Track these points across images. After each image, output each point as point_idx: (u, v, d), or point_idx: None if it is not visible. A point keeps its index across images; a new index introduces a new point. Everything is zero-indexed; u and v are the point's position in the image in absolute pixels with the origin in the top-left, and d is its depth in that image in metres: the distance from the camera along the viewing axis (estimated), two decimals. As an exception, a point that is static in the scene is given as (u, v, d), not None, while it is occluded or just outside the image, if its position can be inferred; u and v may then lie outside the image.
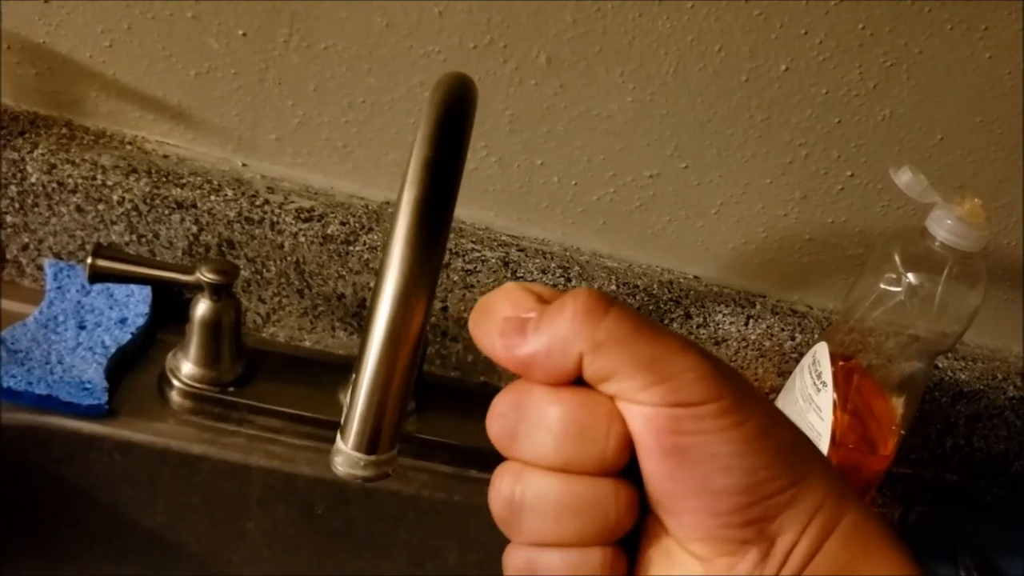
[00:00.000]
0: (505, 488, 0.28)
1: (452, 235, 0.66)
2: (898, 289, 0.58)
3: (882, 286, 0.59)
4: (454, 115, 0.34)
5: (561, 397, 0.27)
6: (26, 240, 0.64)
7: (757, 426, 0.26)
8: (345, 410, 0.30)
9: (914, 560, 0.28)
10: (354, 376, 0.30)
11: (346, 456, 0.30)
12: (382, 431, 0.30)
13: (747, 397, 0.27)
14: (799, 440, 0.28)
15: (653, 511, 0.28)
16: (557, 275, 0.66)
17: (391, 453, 0.31)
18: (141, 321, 0.64)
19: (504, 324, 0.28)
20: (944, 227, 0.57)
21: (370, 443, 0.30)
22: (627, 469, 0.27)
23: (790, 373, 0.65)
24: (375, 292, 0.30)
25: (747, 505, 0.26)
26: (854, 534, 0.28)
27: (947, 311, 0.58)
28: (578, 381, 0.27)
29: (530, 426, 0.27)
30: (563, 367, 0.27)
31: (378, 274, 0.30)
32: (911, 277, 0.58)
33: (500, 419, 0.28)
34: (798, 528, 0.27)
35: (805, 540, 0.27)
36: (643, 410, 0.26)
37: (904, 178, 0.57)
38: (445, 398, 0.66)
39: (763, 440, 0.26)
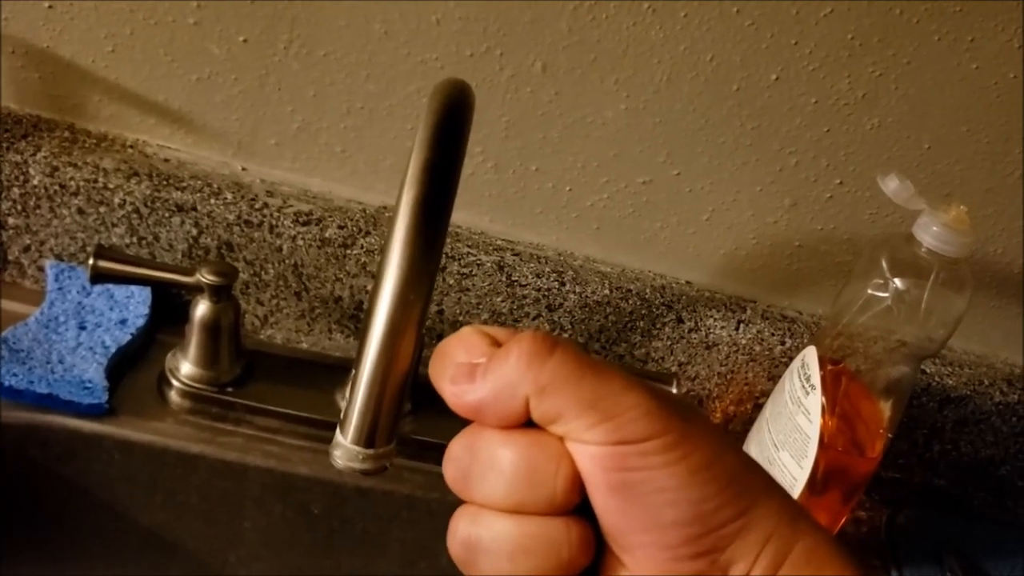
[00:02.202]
0: (462, 531, 0.28)
1: (448, 239, 0.67)
2: (885, 294, 0.59)
3: (870, 291, 0.60)
4: (452, 119, 0.34)
5: (511, 440, 0.28)
6: (28, 242, 0.65)
7: (703, 458, 0.27)
8: (344, 405, 0.31)
9: None
10: (353, 372, 0.31)
11: (345, 449, 0.31)
12: (380, 425, 0.31)
13: (693, 430, 0.27)
14: (747, 469, 0.28)
15: (609, 548, 0.28)
16: (551, 279, 0.67)
17: (388, 447, 0.32)
18: (141, 322, 0.64)
19: (455, 370, 0.29)
20: (930, 234, 0.57)
21: (368, 437, 0.31)
22: (584, 507, 0.28)
23: (780, 377, 0.66)
24: (375, 289, 0.30)
25: (696, 536, 0.27)
26: (809, 559, 0.28)
27: (933, 316, 0.58)
28: (530, 423, 0.28)
29: (482, 469, 0.28)
30: (511, 411, 0.28)
31: (378, 270, 0.31)
32: (898, 282, 0.58)
33: (454, 463, 0.29)
34: (750, 557, 0.27)
35: (758, 569, 0.27)
36: (589, 449, 0.27)
37: (891, 185, 0.57)
38: (440, 400, 0.65)
39: (708, 471, 0.27)
